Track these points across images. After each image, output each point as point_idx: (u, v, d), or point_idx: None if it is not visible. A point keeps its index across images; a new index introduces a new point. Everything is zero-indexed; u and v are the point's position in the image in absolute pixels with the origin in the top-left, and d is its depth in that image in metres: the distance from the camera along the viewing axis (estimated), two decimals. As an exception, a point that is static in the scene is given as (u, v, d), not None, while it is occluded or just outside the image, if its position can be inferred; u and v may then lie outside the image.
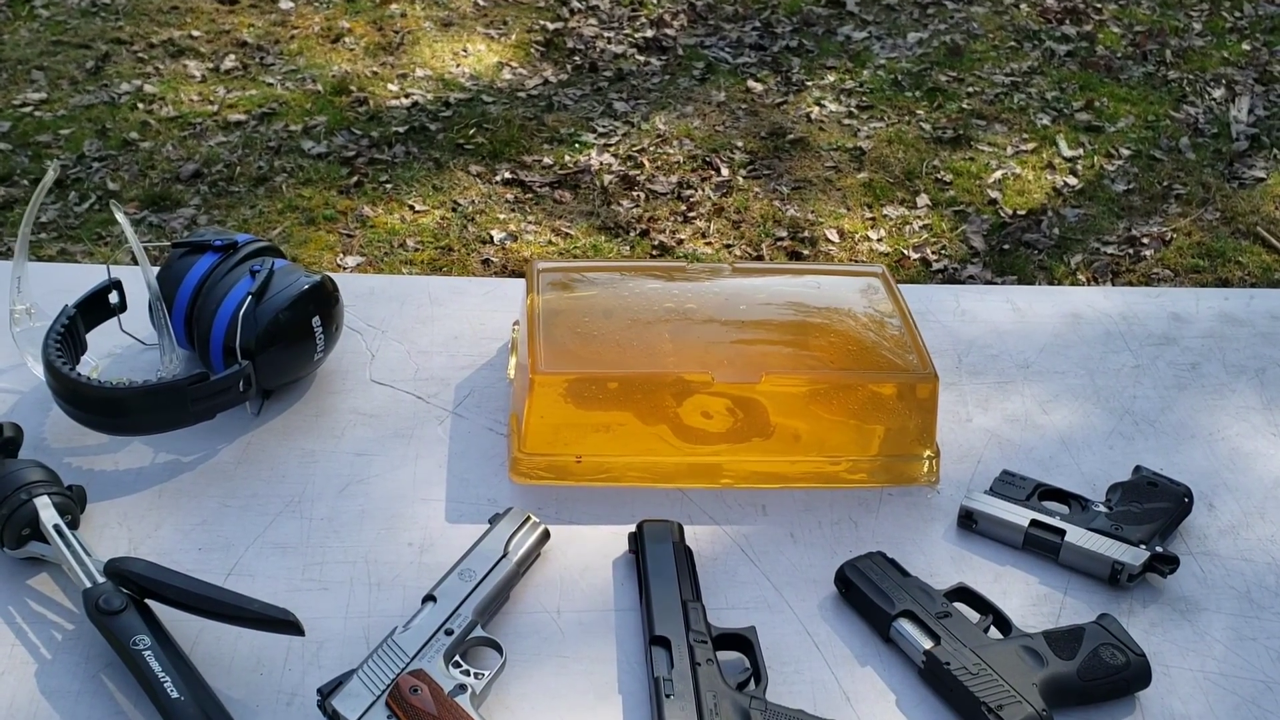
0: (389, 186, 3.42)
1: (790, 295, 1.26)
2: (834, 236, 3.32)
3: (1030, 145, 3.72)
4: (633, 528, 1.05)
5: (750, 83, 4.10)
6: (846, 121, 3.88)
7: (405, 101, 3.95)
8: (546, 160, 3.60)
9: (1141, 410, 1.26)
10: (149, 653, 0.88)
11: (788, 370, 1.13)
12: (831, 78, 4.11)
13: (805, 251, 3.22)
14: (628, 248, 3.18)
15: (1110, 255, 3.28)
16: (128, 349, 1.23)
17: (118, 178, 3.46)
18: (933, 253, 3.28)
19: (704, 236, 3.29)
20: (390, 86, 4.04)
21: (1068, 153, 3.69)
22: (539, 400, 1.10)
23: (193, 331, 1.16)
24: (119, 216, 1.14)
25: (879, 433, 1.15)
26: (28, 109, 3.85)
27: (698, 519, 1.10)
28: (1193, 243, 3.35)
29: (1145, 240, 3.35)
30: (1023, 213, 3.42)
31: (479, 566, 0.99)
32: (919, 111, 3.90)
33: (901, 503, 1.13)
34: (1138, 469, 1.16)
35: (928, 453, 1.15)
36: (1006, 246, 3.30)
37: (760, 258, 3.15)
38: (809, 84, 4.10)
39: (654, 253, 3.18)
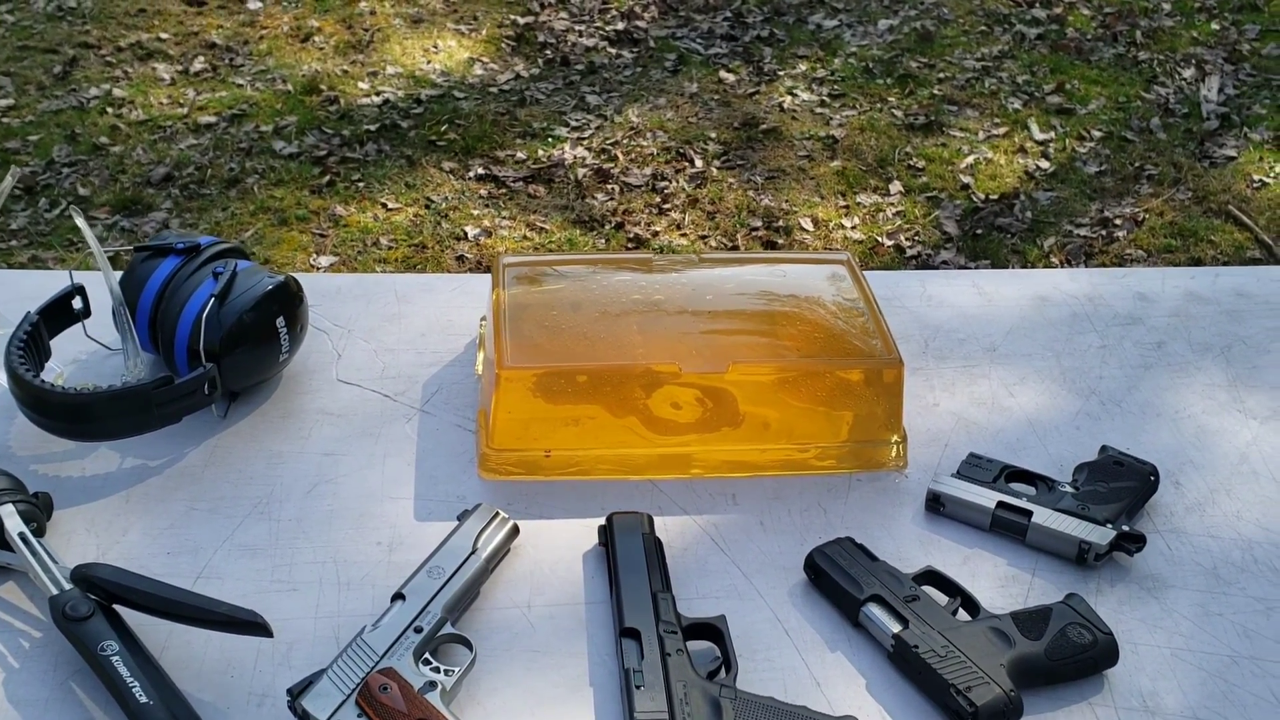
0: (361, 185, 3.41)
1: (757, 284, 1.26)
2: (808, 225, 3.33)
3: (1002, 129, 3.73)
4: (603, 520, 1.05)
5: (722, 73, 4.10)
6: (819, 110, 3.89)
7: (376, 99, 3.94)
8: (520, 155, 3.59)
9: (1108, 390, 1.27)
10: (117, 658, 0.88)
11: (755, 359, 1.13)
12: (803, 67, 4.11)
13: (780, 241, 3.22)
14: (603, 240, 3.18)
15: (1083, 237, 3.29)
16: (93, 355, 1.22)
17: (88, 183, 3.44)
18: (906, 239, 3.29)
19: (679, 228, 3.29)
20: (361, 85, 4.03)
21: (1039, 136, 3.70)
22: (506, 396, 1.10)
23: (157, 335, 1.15)
24: (79, 222, 1.14)
25: (846, 419, 1.15)
26: (-5, 115, 3.83)
27: (668, 510, 1.10)
28: (1165, 223, 3.37)
29: (1118, 221, 3.36)
30: (995, 197, 3.44)
31: (447, 563, 0.99)
32: (891, 99, 3.91)
33: (870, 488, 1.14)
34: (1104, 449, 1.16)
35: (895, 438, 1.15)
36: (979, 231, 3.31)
37: (735, 248, 3.16)
38: (781, 73, 4.10)
39: (629, 245, 3.18)
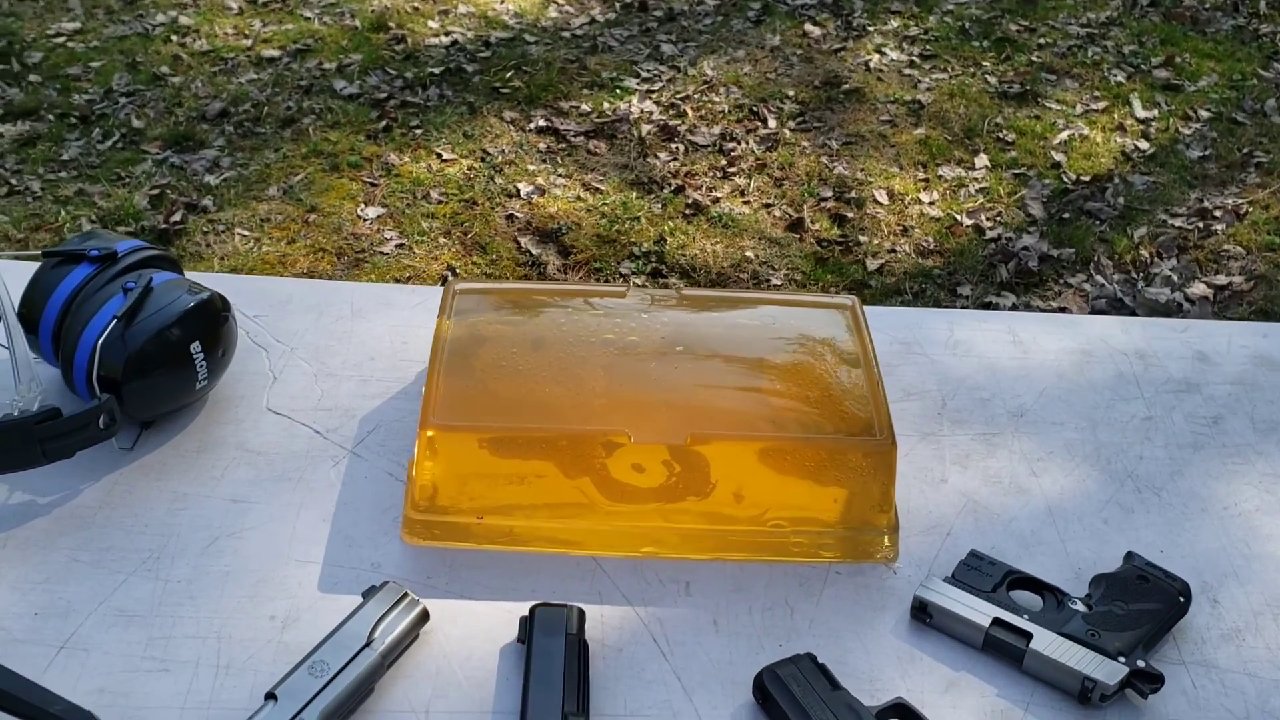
0: (418, 132, 3.28)
1: (742, 332, 1.09)
2: (883, 198, 3.12)
3: (1101, 104, 3.46)
4: (526, 610, 0.91)
5: (808, 26, 3.88)
6: (907, 72, 3.65)
7: (444, 40, 3.80)
8: (584, 107, 3.43)
9: (1147, 474, 1.09)
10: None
11: (716, 430, 0.98)
12: (895, 23, 3.87)
13: (850, 214, 3.02)
14: (659, 205, 3.01)
15: (1177, 228, 3.04)
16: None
17: (143, 114, 3.37)
18: (987, 219, 3.07)
19: (743, 195, 3.10)
20: (430, 24, 3.89)
21: (1141, 113, 3.43)
22: (430, 456, 0.96)
23: (59, 355, 1.03)
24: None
25: (833, 496, 0.99)
26: (61, 39, 3.77)
27: (609, 596, 0.96)
28: (1270, 217, 3.09)
29: (1217, 213, 3.10)
30: (1087, 178, 3.19)
31: (334, 658, 0.86)
32: (985, 63, 3.65)
33: (849, 584, 0.98)
34: (1129, 557, 0.99)
35: (885, 524, 0.99)
36: (1066, 215, 3.07)
37: (800, 221, 2.97)
38: (870, 29, 3.86)
39: (687, 210, 3.01)
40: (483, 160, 3.19)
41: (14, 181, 3.06)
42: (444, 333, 1.04)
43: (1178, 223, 3.08)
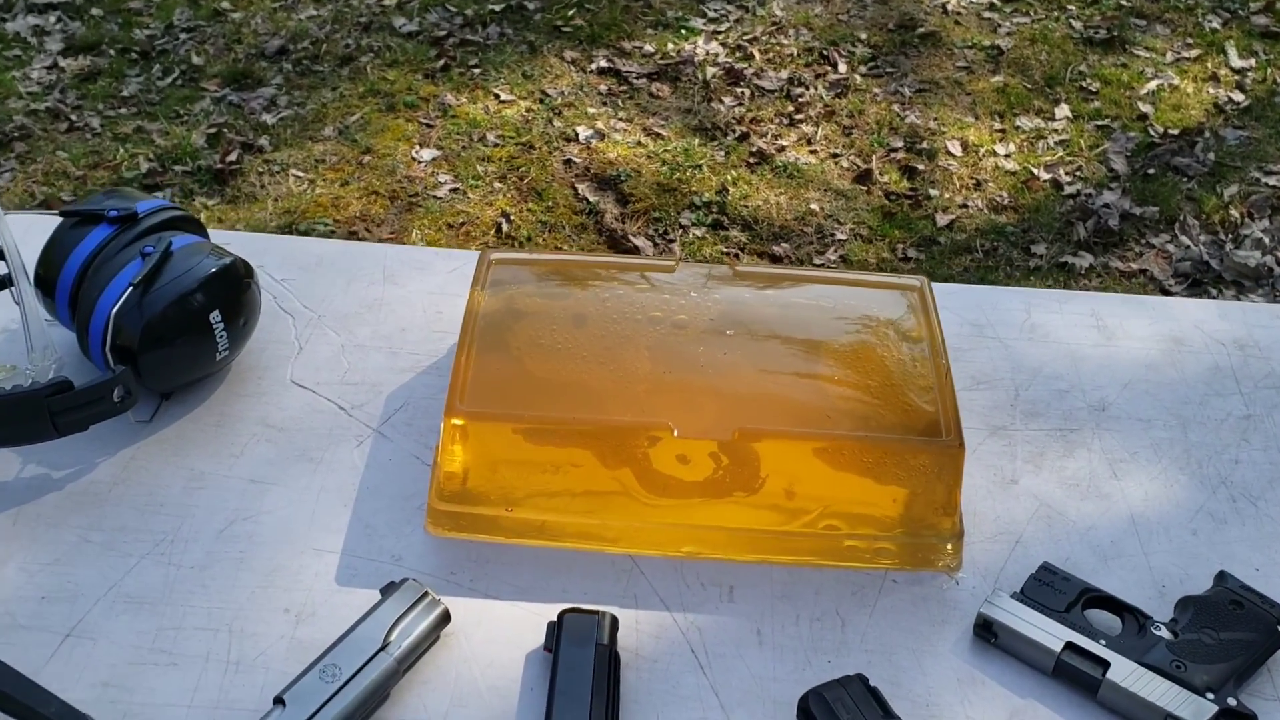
0: (477, 71, 3.19)
1: (799, 316, 1.01)
2: (956, 150, 2.99)
3: (1194, 52, 3.28)
4: (555, 614, 0.85)
5: (883, -35, 3.71)
6: (987, 15, 3.48)
7: (506, -27, 3.69)
8: (648, 48, 3.31)
9: (1243, 481, 0.99)
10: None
11: (768, 425, 0.90)
12: (975, -37, 3.69)
13: (921, 167, 2.90)
14: (723, 153, 2.91)
15: (1271, 187, 2.88)
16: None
17: (203, 51, 3.31)
18: (1066, 174, 2.93)
19: (809, 143, 2.99)
20: (492, -43, 3.77)
21: (1237, 63, 3.24)
22: (456, 446, 0.89)
23: (75, 321, 0.98)
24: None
25: (889, 501, 0.91)
26: (122, -29, 3.71)
27: (645, 599, 0.89)
28: (1373, 178, 2.92)
29: (1316, 172, 2.93)
30: (1175, 131, 3.02)
31: (347, 662, 0.80)
32: (1070, 6, 3.48)
33: (907, 595, 0.90)
34: (1221, 577, 0.90)
35: (948, 531, 0.91)
36: (1152, 171, 2.92)
37: (869, 172, 2.85)
38: (949, -31, 3.68)
39: (751, 159, 2.90)
40: (541, 102, 3.10)
41: (74, 117, 3.03)
42: (476, 306, 0.97)
43: (1272, 181, 2.92)
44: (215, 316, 0.96)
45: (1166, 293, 2.62)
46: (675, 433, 0.89)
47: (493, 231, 2.65)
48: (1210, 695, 0.82)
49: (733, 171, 2.85)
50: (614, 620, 0.85)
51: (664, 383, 0.93)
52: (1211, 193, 2.88)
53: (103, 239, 0.98)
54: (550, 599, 0.88)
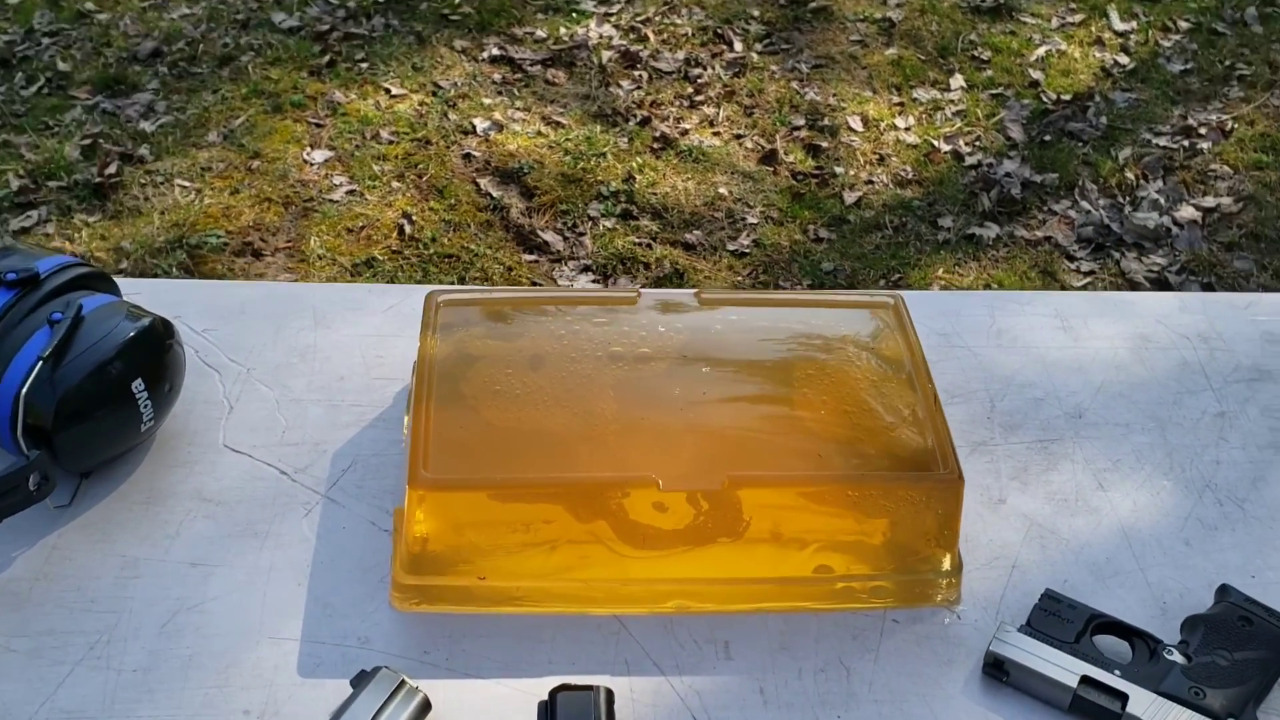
0: (364, 66, 3.07)
1: (776, 348, 0.95)
2: (857, 125, 2.97)
3: (1078, 17, 3.31)
4: (543, 690, 0.78)
5: (770, -61, 3.67)
6: (876, -14, 3.47)
7: (385, -38, 3.55)
8: (540, 33, 3.22)
9: (1226, 482, 0.97)
10: None
11: (759, 470, 0.84)
12: (862, -67, 3.67)
13: (824, 144, 2.87)
14: (625, 140, 2.84)
15: (1162, 148, 2.93)
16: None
17: (69, 56, 3.12)
18: (966, 144, 2.93)
19: (712, 125, 2.94)
20: (369, -55, 3.63)
21: (1119, 25, 3.29)
22: (426, 518, 0.82)
23: (-24, 400, 0.88)
24: None
25: (883, 539, 0.87)
26: (-30, -27, 3.48)
27: (638, 664, 0.83)
28: (1256, 133, 2.98)
29: (1203, 130, 2.99)
30: (1067, 97, 3.05)
31: (325, 771, 0.73)
32: (958, -25, 3.48)
33: (909, 635, 0.86)
34: (1224, 591, 0.87)
35: (946, 567, 0.87)
36: (1048, 138, 2.94)
37: (774, 153, 2.81)
38: (836, -60, 3.66)
39: (655, 145, 2.84)
40: (434, 94, 2.99)
41: (-70, 134, 2.83)
42: (429, 355, 0.89)
43: (1162, 142, 2.96)
44: (138, 385, 0.87)
45: (1071, 259, 2.65)
46: (660, 484, 0.82)
47: (395, 234, 2.55)
48: (1232, 721, 0.79)
49: (638, 158, 2.79)
50: (609, 695, 0.79)
51: (640, 429, 0.87)
52: (1107, 156, 2.91)
53: (3, 306, 0.88)
54: (536, 672, 0.81)
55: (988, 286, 2.54)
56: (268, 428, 0.96)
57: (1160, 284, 2.58)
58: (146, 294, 0.99)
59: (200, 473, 0.93)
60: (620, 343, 0.92)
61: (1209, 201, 2.82)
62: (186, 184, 2.65)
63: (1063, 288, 2.56)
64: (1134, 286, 2.59)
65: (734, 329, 0.95)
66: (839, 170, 2.80)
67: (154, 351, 0.89)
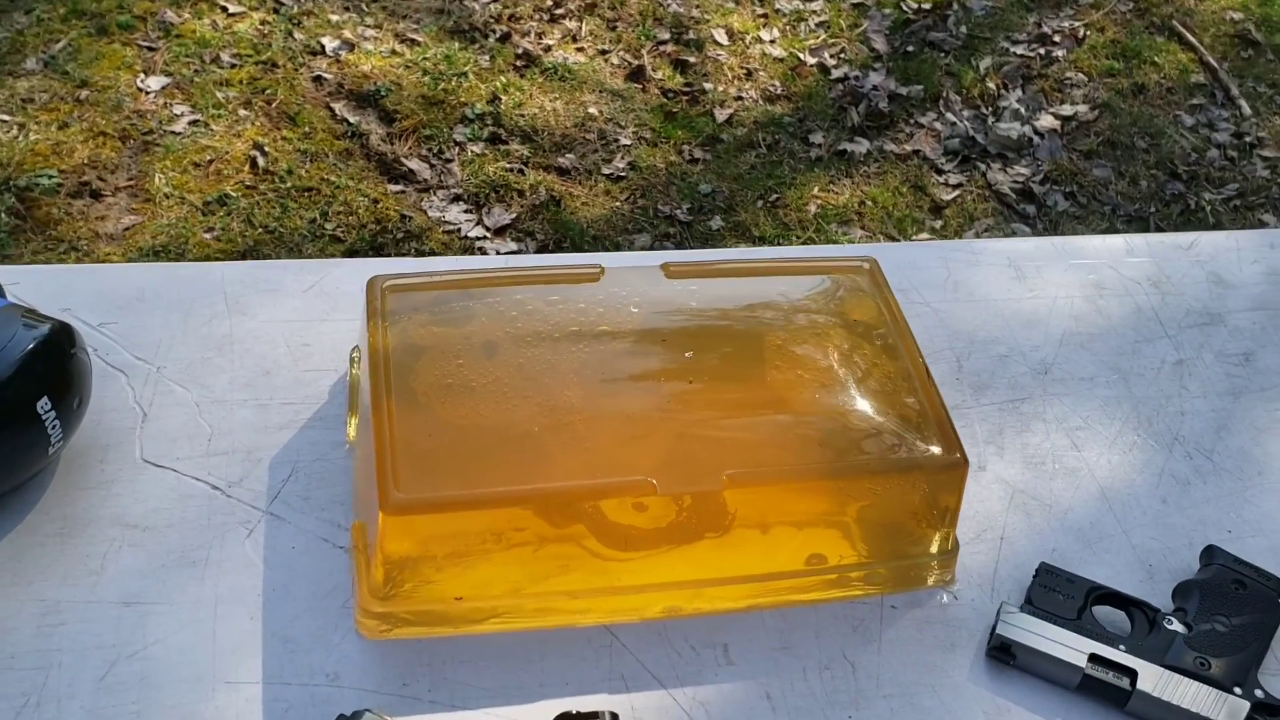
0: (196, -21, 2.83)
1: (751, 321, 0.88)
2: (722, 38, 2.90)
3: (935, -79, 3.28)
4: (543, 717, 0.72)
5: None
6: (730, -110, 3.37)
7: None
8: (385, -58, 3.02)
9: (1193, 433, 0.97)
10: None
11: (757, 466, 0.79)
12: None
13: (692, 59, 2.79)
14: (487, 57, 2.71)
15: (1020, 56, 2.95)
16: None
17: None
18: (831, 57, 2.90)
19: (575, 40, 2.82)
20: None
21: (976, -70, 3.27)
22: (400, 540, 0.74)
23: None
24: None
25: (879, 526, 0.82)
26: None
27: (635, 678, 0.77)
28: (1107, 40, 3.04)
29: (1056, 38, 3.03)
30: (927, 6, 3.04)
31: (318, 839, 0.65)
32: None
33: (909, 621, 0.82)
34: (1210, 553, 0.86)
35: (945, 549, 0.83)
36: (911, 49, 2.93)
37: (642, 69, 2.72)
38: None
39: (518, 63, 2.71)
40: (276, 12, 2.79)
41: None
42: (383, 352, 0.80)
43: (1020, 50, 2.99)
44: (44, 404, 0.75)
45: (939, 171, 2.66)
46: (657, 489, 0.76)
47: (247, 167, 2.38)
48: (1239, 690, 0.78)
49: (501, 77, 2.66)
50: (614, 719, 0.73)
51: (621, 424, 0.80)
52: (968, 65, 2.92)
53: None
54: (528, 698, 0.75)
55: (862, 204, 2.53)
56: (190, 436, 0.85)
57: (1025, 194, 2.61)
58: (25, 284, 0.86)
59: (119, 494, 0.82)
60: (590, 327, 0.84)
61: (1066, 110, 2.86)
62: (6, 118, 2.41)
63: (934, 202, 2.57)
64: (1000, 198, 2.62)
65: (707, 304, 0.88)
66: (708, 87, 2.73)
67: (58, 362, 0.77)
